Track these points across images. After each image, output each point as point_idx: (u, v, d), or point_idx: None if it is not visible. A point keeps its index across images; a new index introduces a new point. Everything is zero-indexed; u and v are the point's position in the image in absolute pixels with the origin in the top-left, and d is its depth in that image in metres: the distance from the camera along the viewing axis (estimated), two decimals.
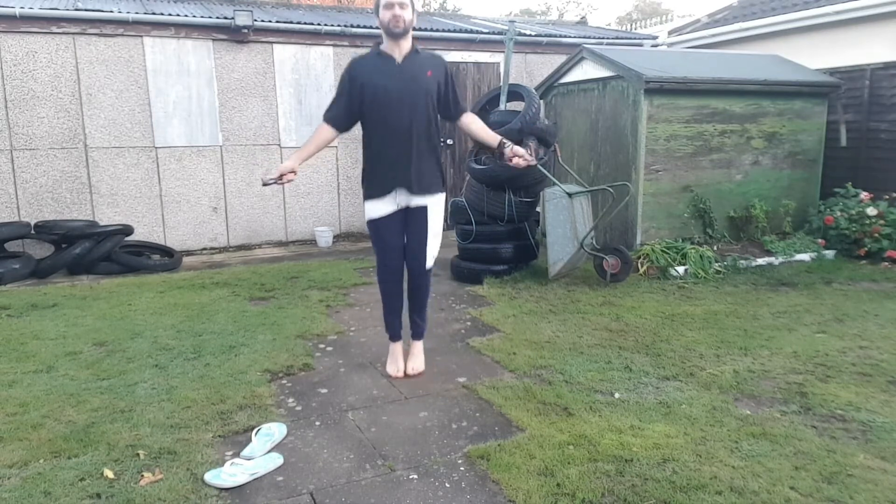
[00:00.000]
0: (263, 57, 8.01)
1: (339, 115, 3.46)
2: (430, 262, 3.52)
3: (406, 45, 3.36)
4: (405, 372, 3.71)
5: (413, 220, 3.48)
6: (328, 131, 3.47)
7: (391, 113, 3.33)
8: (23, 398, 3.42)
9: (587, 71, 6.81)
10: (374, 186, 3.47)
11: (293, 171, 3.34)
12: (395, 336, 3.78)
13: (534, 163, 3.45)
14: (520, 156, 3.40)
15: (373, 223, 3.52)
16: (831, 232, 6.61)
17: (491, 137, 3.54)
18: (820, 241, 6.65)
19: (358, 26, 8.33)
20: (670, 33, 10.24)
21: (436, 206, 3.48)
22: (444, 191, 3.54)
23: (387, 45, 3.38)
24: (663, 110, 6.30)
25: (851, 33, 7.50)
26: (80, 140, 7.27)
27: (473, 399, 3.39)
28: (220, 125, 7.88)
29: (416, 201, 3.44)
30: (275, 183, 3.31)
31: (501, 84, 6.29)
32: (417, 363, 3.75)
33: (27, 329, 4.70)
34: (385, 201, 3.44)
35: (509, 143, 3.49)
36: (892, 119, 6.99)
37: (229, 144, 7.96)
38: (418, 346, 3.79)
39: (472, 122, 3.59)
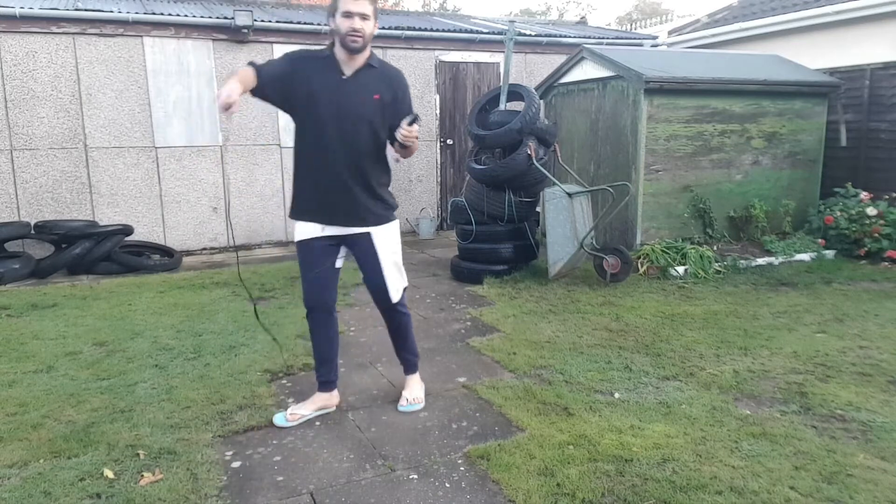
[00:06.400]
0: (264, 57, 7.90)
1: (271, 74, 2.83)
2: (395, 296, 3.10)
3: (361, 59, 2.89)
4: (310, 407, 3.21)
5: (359, 250, 3.05)
6: (251, 75, 2.76)
7: (324, 135, 2.88)
8: (23, 398, 3.42)
9: (587, 71, 6.81)
10: (299, 207, 3.05)
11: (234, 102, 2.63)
12: (320, 385, 3.25)
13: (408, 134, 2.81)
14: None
15: (300, 244, 3.05)
16: (831, 232, 6.61)
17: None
18: (820, 240, 6.65)
19: None
20: (670, 33, 10.25)
21: (382, 234, 3.03)
22: (392, 219, 3.08)
23: (340, 53, 2.88)
24: (663, 110, 6.30)
25: (851, 33, 7.50)
26: (80, 140, 7.27)
27: (473, 399, 3.39)
28: (219, 125, 7.88)
29: (354, 230, 3.01)
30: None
31: (501, 84, 6.29)
32: (410, 393, 3.35)
33: (27, 329, 4.70)
34: (312, 225, 3.02)
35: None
36: (892, 119, 6.99)
37: (229, 144, 7.96)
38: (411, 379, 3.41)
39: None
